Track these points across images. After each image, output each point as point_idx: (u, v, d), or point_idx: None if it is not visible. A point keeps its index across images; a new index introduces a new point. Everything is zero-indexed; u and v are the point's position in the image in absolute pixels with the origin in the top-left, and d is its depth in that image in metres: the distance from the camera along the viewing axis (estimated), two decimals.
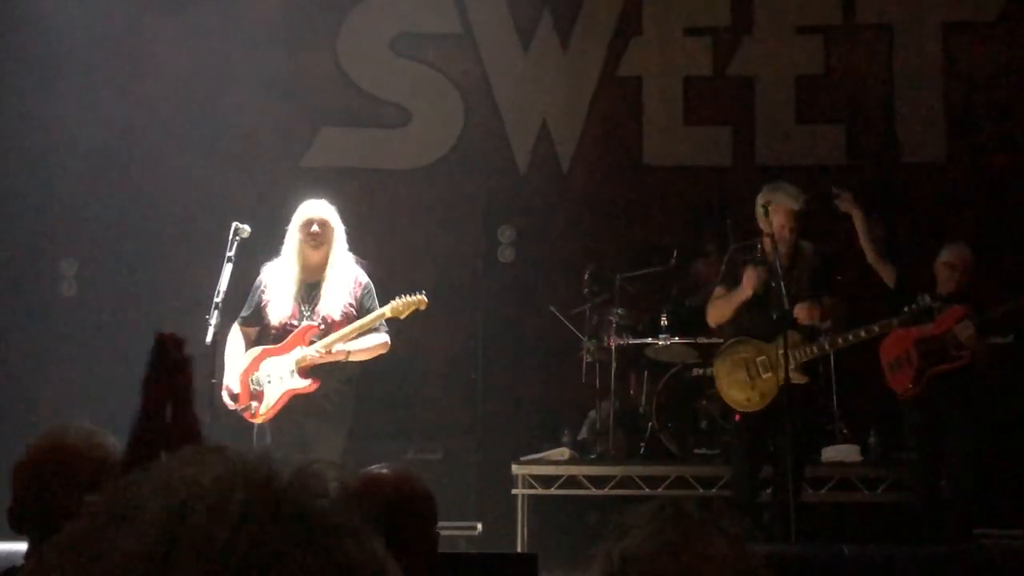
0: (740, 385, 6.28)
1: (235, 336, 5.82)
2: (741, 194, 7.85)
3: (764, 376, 6.20)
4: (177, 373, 1.74)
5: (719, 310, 6.43)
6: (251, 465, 0.79)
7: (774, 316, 6.11)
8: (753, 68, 8.90)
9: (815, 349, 6.26)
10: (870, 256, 6.62)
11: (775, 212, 6.25)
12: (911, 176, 8.57)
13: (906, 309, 6.17)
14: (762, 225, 6.30)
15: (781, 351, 6.02)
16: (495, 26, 8.92)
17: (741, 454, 6.40)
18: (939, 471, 6.49)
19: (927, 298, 6.21)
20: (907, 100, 8.80)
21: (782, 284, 6.07)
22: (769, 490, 6.41)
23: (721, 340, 7.50)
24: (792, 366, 6.07)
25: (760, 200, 6.32)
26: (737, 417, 6.36)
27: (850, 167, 8.73)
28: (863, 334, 6.31)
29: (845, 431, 7.33)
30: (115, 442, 2.36)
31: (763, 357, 6.21)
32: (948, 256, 6.58)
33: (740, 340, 6.35)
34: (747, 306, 6.26)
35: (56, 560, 0.75)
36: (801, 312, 6.16)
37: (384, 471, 2.54)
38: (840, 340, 6.34)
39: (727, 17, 8.93)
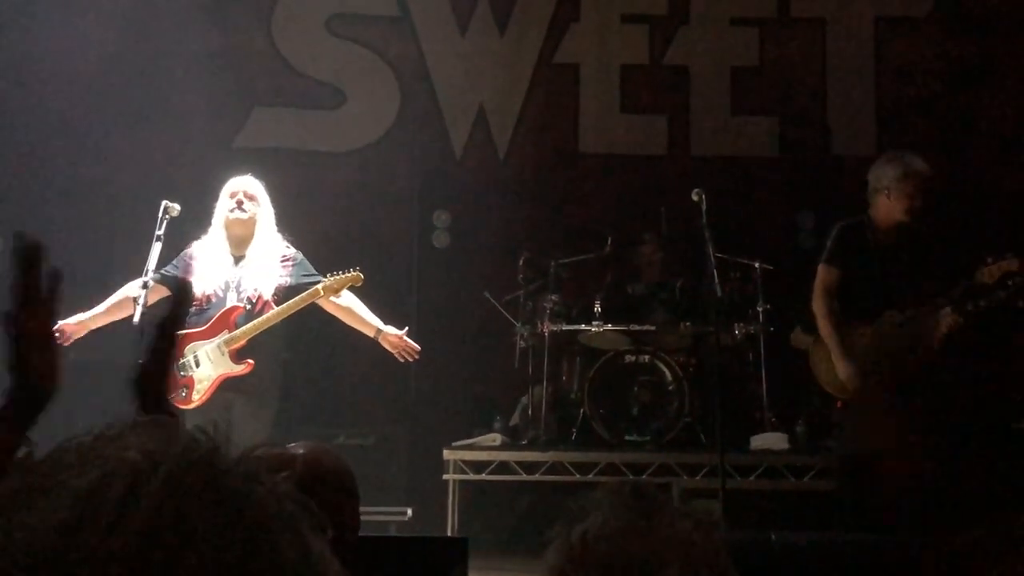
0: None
1: (135, 285, 5.57)
2: (676, 183, 7.90)
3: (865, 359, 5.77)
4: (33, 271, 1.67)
5: (824, 318, 5.96)
6: (192, 442, 0.76)
7: (889, 295, 5.74)
8: (689, 58, 8.95)
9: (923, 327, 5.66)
10: None
11: (897, 189, 5.77)
12: (841, 168, 8.69)
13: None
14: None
15: (886, 332, 5.70)
16: (432, 9, 8.88)
17: (844, 443, 6.05)
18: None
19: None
20: (839, 93, 8.91)
21: (715, 271, 6.09)
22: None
23: (653, 328, 7.58)
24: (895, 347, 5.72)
25: (871, 178, 5.90)
26: (839, 404, 5.97)
27: (782, 159, 8.83)
28: (983, 302, 5.57)
29: (773, 419, 7.41)
30: None
31: (865, 341, 5.81)
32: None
33: (840, 324, 5.87)
34: (854, 285, 5.86)
35: None
36: (944, 322, 5.58)
37: (298, 450, 2.49)
38: (971, 307, 5.58)
39: (664, 6, 8.97)
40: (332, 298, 5.68)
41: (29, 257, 1.61)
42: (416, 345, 5.76)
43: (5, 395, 1.66)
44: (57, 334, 5.34)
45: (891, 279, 5.80)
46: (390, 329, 5.73)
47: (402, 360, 5.82)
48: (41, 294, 1.64)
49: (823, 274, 6.02)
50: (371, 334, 5.75)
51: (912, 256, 5.81)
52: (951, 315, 5.57)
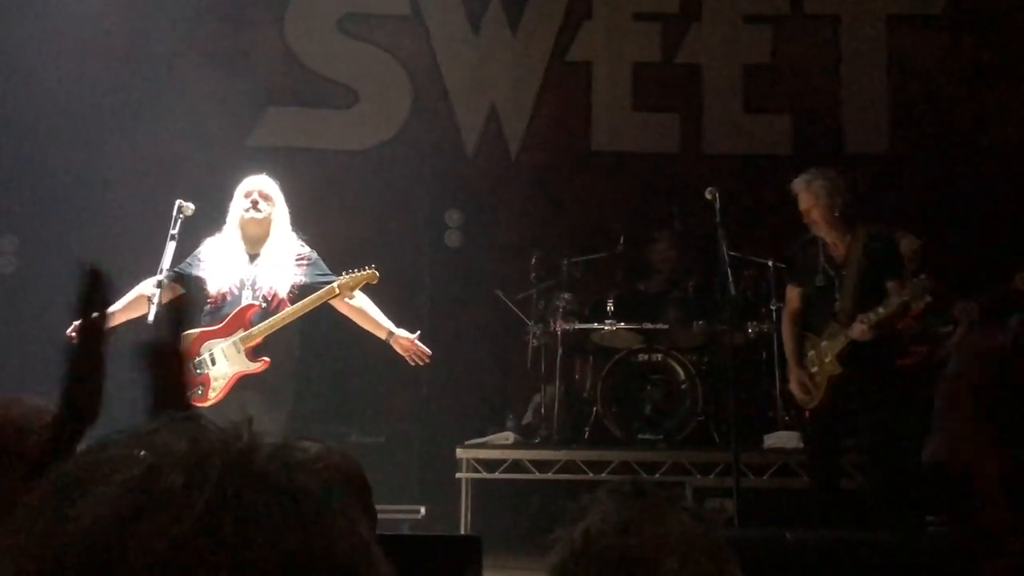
0: (799, 382, 6.08)
1: (150, 283, 5.55)
2: (689, 181, 7.89)
3: (812, 371, 6.02)
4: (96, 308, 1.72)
5: (784, 332, 6.28)
6: (230, 434, 0.76)
7: (833, 308, 5.93)
8: (701, 56, 8.94)
9: (843, 337, 5.86)
10: None
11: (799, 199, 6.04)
12: (855, 166, 8.65)
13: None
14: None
15: (823, 343, 5.93)
16: (444, 8, 8.89)
17: (814, 450, 6.27)
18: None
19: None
20: (852, 91, 8.89)
21: (728, 270, 6.11)
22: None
23: (666, 327, 7.59)
24: (828, 357, 5.93)
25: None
26: (807, 414, 6.17)
27: (795, 157, 8.80)
28: (882, 311, 5.74)
29: (787, 418, 7.39)
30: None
31: (812, 352, 6.04)
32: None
33: (800, 337, 6.13)
34: (809, 299, 6.10)
35: (18, 526, 0.72)
36: (855, 330, 5.83)
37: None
38: (874, 317, 5.74)
39: (676, 4, 8.96)
40: (346, 299, 5.66)
41: (92, 290, 1.67)
42: (427, 349, 5.73)
43: (57, 412, 1.70)
44: (74, 334, 5.36)
45: (835, 293, 5.99)
46: (402, 332, 5.71)
47: (413, 364, 5.81)
48: (99, 323, 1.70)
49: (787, 292, 6.34)
50: (383, 336, 5.73)
51: (859, 270, 5.95)
52: (859, 326, 5.82)
